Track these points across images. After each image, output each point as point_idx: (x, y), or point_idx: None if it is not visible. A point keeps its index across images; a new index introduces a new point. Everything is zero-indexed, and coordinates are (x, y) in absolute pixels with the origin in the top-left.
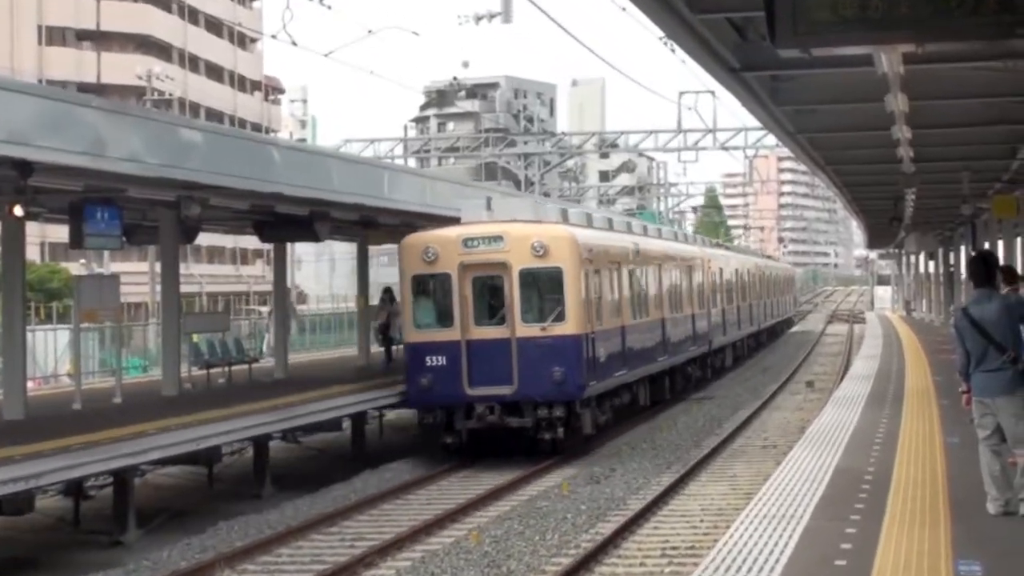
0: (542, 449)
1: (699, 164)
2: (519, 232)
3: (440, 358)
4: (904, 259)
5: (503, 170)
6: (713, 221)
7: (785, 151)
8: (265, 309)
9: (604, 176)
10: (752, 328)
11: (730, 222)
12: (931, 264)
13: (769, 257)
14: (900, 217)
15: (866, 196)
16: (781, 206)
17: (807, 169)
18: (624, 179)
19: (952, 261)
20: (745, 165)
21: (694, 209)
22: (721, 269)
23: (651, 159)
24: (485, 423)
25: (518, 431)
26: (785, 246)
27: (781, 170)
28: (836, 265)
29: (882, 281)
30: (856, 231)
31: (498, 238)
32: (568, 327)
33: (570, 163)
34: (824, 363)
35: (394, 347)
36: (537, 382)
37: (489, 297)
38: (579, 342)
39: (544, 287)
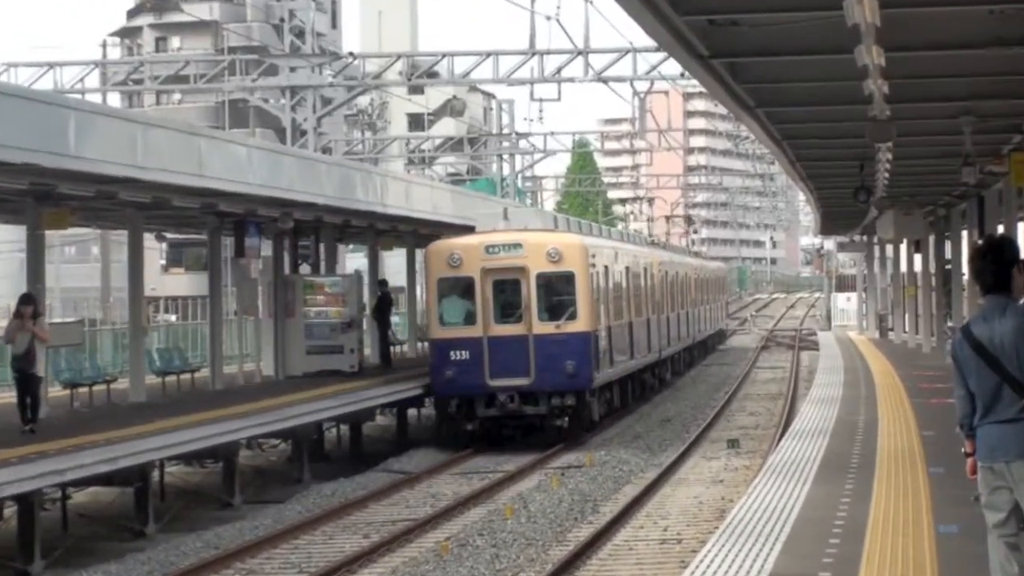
0: (550, 438)
1: (563, 104)
2: (535, 240)
3: (463, 352)
4: (877, 251)
5: (258, 111)
6: (583, 194)
7: (695, 85)
8: None
9: (416, 122)
10: (688, 340)
11: (613, 194)
12: (917, 259)
13: (697, 254)
14: (869, 187)
15: (819, 155)
16: (690, 169)
17: (728, 114)
18: (447, 126)
19: (949, 254)
20: (634, 106)
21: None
22: (666, 272)
23: (489, 96)
24: (506, 411)
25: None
26: (696, 231)
27: (689, 114)
28: (774, 260)
29: (843, 285)
30: (804, 209)
31: (517, 245)
32: (579, 325)
33: (364, 101)
34: (755, 411)
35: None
36: (552, 374)
37: (508, 298)
38: (589, 338)
39: (558, 289)
